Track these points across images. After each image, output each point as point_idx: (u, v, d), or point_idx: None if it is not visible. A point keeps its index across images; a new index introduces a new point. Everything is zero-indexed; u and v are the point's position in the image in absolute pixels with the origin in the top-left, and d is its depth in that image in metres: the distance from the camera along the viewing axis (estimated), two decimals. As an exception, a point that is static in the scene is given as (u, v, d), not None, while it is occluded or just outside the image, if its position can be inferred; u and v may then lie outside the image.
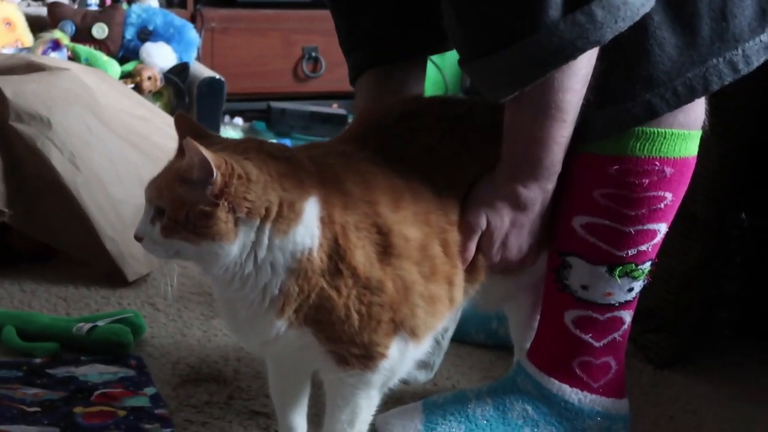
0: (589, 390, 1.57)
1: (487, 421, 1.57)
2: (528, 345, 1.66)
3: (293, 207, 1.31)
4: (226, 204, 1.27)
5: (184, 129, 1.36)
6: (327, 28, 4.10)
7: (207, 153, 1.25)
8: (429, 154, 1.48)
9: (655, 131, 1.43)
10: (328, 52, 4.08)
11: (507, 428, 1.57)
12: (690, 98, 1.42)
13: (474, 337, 2.00)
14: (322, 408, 1.47)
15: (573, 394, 1.57)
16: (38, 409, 1.65)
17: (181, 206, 1.28)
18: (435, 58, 4.85)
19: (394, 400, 1.63)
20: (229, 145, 1.36)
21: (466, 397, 1.61)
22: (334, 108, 4.03)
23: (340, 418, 1.42)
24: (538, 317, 1.64)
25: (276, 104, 3.89)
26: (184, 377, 1.81)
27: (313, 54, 4.07)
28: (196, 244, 1.29)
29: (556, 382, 1.57)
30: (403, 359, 1.42)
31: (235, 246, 1.29)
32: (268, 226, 1.30)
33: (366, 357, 1.38)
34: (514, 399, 1.59)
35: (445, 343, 1.83)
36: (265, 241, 1.31)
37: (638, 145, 1.43)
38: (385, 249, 1.37)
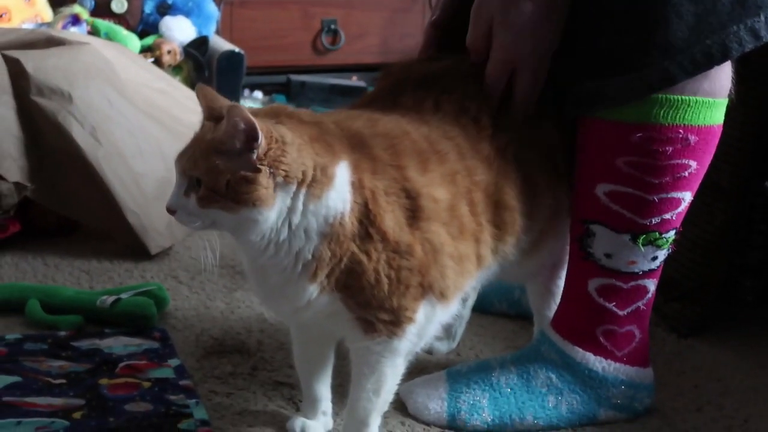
0: (613, 358, 1.57)
1: (511, 389, 1.58)
2: (549, 313, 1.67)
3: (326, 171, 1.31)
4: (267, 169, 1.27)
5: (206, 100, 1.36)
6: (346, 1, 4.11)
7: (255, 119, 1.25)
8: (451, 114, 1.49)
9: (679, 98, 1.42)
10: (348, 24, 4.08)
11: (531, 396, 1.57)
12: (708, 65, 1.41)
13: (497, 306, 2.00)
14: (346, 378, 1.47)
15: (597, 363, 1.57)
16: (64, 381, 1.66)
17: (221, 175, 1.27)
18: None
19: (417, 370, 1.64)
20: (259, 111, 1.36)
21: (490, 365, 1.61)
22: (354, 80, 4.03)
23: (366, 386, 1.42)
24: (559, 285, 1.64)
25: (296, 77, 3.89)
26: (207, 349, 1.81)
27: (333, 27, 4.06)
28: (235, 212, 1.28)
29: (580, 350, 1.57)
30: (429, 323, 1.42)
31: (273, 211, 1.29)
32: (303, 191, 1.30)
33: (393, 323, 1.38)
34: (538, 367, 1.59)
35: (467, 312, 1.83)
36: (300, 206, 1.31)
37: (662, 112, 1.43)
38: (414, 213, 1.37)
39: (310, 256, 1.33)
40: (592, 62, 1.46)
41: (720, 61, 1.41)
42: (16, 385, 1.64)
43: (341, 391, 1.55)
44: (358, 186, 1.34)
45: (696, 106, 1.43)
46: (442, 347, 1.83)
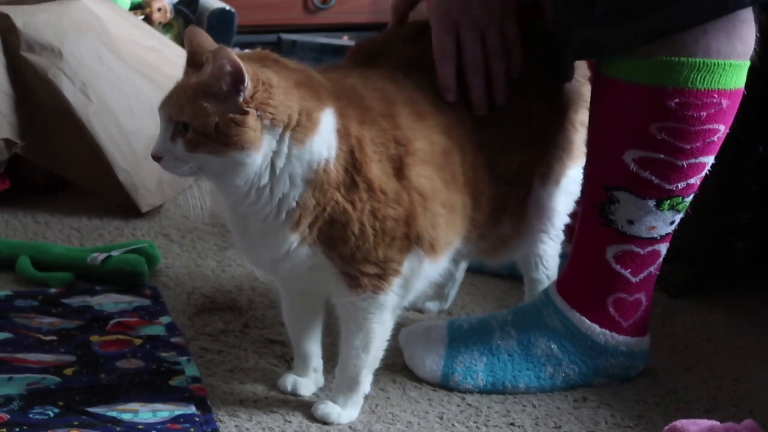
0: (618, 331, 1.57)
1: (509, 355, 1.57)
2: (537, 276, 1.67)
3: (311, 116, 1.31)
4: (254, 111, 1.27)
5: (192, 45, 1.35)
6: (337, -41, 4.08)
7: (241, 61, 1.25)
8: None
9: (715, 62, 1.40)
10: (338, -17, 4.05)
11: (529, 365, 1.57)
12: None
13: (488, 266, 1.99)
14: (337, 336, 1.48)
15: (601, 335, 1.57)
16: (54, 337, 1.66)
17: (209, 117, 1.28)
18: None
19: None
20: (245, 56, 1.35)
21: (491, 327, 1.61)
22: (345, 40, 4.00)
23: (354, 344, 1.43)
24: (544, 249, 1.65)
25: (286, 36, 3.87)
26: (199, 306, 1.81)
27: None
28: (223, 155, 1.29)
29: (586, 320, 1.56)
30: (415, 277, 1.42)
31: (260, 155, 1.29)
32: (288, 135, 1.31)
33: (379, 276, 1.38)
34: (540, 335, 1.58)
35: (460, 275, 1.83)
36: (285, 150, 1.31)
37: (699, 77, 1.41)
38: (404, 161, 1.37)
39: (294, 204, 1.33)
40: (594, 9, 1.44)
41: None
42: (6, 342, 1.64)
43: (332, 348, 1.55)
44: (343, 133, 1.34)
45: (730, 69, 1.41)
46: (434, 307, 1.83)
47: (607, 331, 1.57)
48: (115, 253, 1.92)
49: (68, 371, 1.55)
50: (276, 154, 1.31)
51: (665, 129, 1.44)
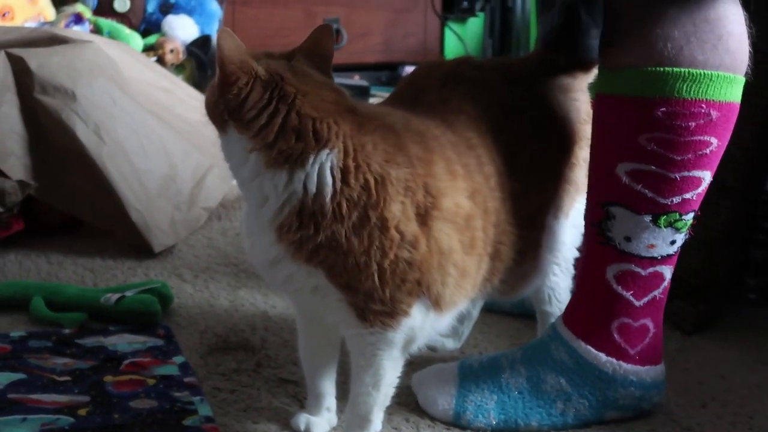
0: (625, 359, 1.56)
1: (519, 392, 1.57)
2: (549, 309, 1.68)
3: (291, 151, 1.33)
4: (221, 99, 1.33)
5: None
6: (348, 0, 4.12)
7: (222, 49, 1.32)
8: (475, 125, 1.50)
9: (702, 73, 1.42)
10: (350, 23, 4.08)
11: (540, 402, 1.56)
12: None
13: (501, 305, 2.00)
14: (350, 375, 1.48)
15: (608, 364, 1.55)
16: (68, 378, 1.66)
17: (239, 65, 1.33)
18: (455, 26, 4.85)
19: (423, 367, 1.64)
20: (305, 73, 1.38)
21: (500, 365, 1.60)
22: (356, 80, 4.03)
23: (365, 380, 1.42)
24: (557, 282, 1.66)
25: (298, 76, 3.89)
26: (212, 346, 1.82)
27: (335, 26, 4.06)
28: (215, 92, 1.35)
29: (592, 350, 1.56)
30: (423, 325, 1.42)
31: (222, 141, 1.37)
32: (259, 154, 1.33)
33: (387, 314, 1.37)
34: (548, 370, 1.58)
35: (476, 313, 1.83)
36: (259, 166, 1.34)
37: (685, 86, 1.42)
38: (430, 210, 1.37)
39: (271, 215, 1.35)
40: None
41: None
42: (21, 382, 1.64)
43: (345, 388, 1.54)
44: (354, 171, 1.34)
45: (718, 80, 1.43)
46: (448, 345, 1.83)
47: (614, 360, 1.56)
48: (128, 293, 1.93)
49: (82, 411, 1.56)
50: (246, 163, 1.35)
51: (654, 140, 1.45)
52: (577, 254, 1.68)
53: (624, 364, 1.56)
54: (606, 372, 1.56)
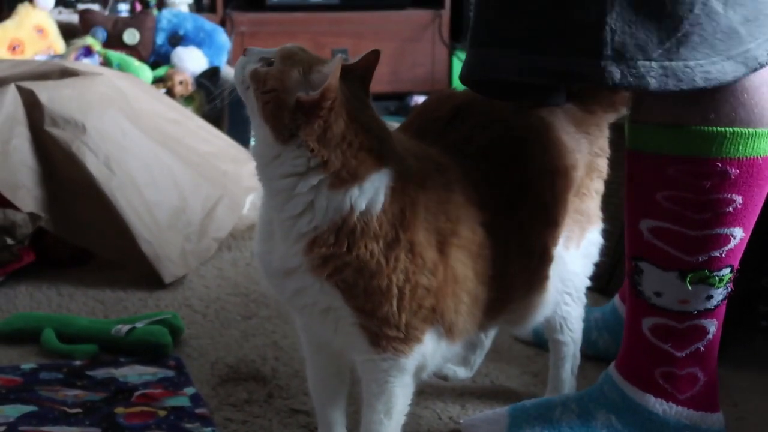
0: (674, 401, 1.52)
1: (570, 428, 1.54)
2: (561, 338, 1.68)
3: (354, 173, 1.32)
4: (300, 116, 1.30)
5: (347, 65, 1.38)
6: (356, 31, 4.14)
7: (334, 77, 1.29)
8: (485, 156, 1.50)
9: (714, 130, 1.37)
10: (358, 54, 4.07)
11: None
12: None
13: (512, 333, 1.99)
14: (361, 404, 1.47)
15: (657, 405, 1.52)
16: (80, 410, 1.66)
17: (281, 79, 1.32)
18: (463, 56, 4.85)
19: (434, 396, 1.64)
20: (360, 102, 1.37)
21: (552, 402, 1.59)
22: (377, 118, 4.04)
23: (377, 408, 1.42)
24: (566, 311, 1.66)
25: (307, 106, 3.90)
26: (223, 377, 1.81)
27: (343, 56, 4.07)
28: (253, 108, 1.34)
29: (641, 391, 1.52)
30: (435, 353, 1.42)
31: (276, 148, 1.33)
32: (324, 175, 1.32)
33: (401, 340, 1.37)
34: (600, 407, 1.55)
35: (488, 343, 1.83)
36: (317, 184, 1.32)
37: (697, 145, 1.38)
38: (449, 237, 1.38)
39: (305, 228, 1.34)
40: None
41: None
42: (32, 415, 1.64)
43: (356, 417, 1.54)
44: (398, 191, 1.34)
45: (734, 137, 1.38)
46: (459, 374, 1.82)
47: (663, 401, 1.52)
48: (139, 325, 1.94)
49: (93, 443, 1.56)
50: (302, 177, 1.33)
51: (671, 198, 1.42)
52: (588, 284, 1.68)
53: (675, 406, 1.52)
54: (656, 413, 1.52)
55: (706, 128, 1.38)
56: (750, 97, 1.38)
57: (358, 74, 1.39)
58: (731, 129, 1.37)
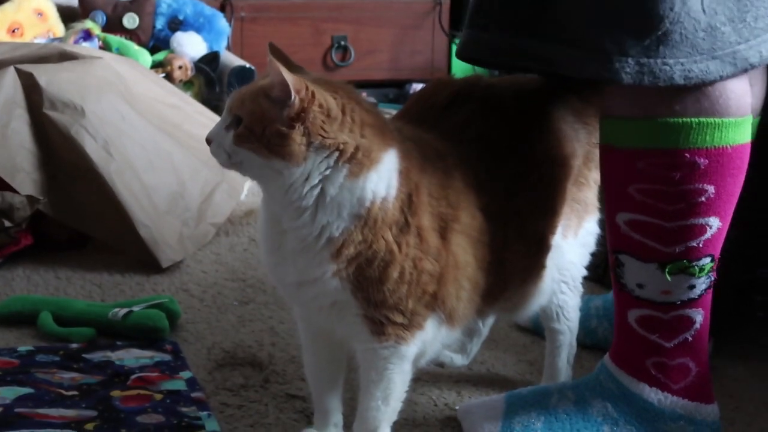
0: (668, 391, 1.52)
1: (567, 415, 1.55)
2: (557, 326, 1.68)
3: (369, 154, 1.32)
4: (301, 128, 1.30)
5: (276, 57, 1.37)
6: (356, 17, 4.13)
7: (288, 75, 1.28)
8: (483, 143, 1.51)
9: (680, 121, 1.38)
10: (358, 41, 4.09)
11: (586, 424, 1.54)
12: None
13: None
14: (357, 391, 1.48)
15: (652, 394, 1.52)
16: (76, 393, 1.66)
17: (260, 120, 1.31)
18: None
19: (430, 383, 1.64)
20: (322, 80, 1.37)
21: (548, 390, 1.60)
22: (364, 97, 4.04)
23: (375, 394, 1.42)
24: (562, 299, 1.66)
25: (306, 93, 3.90)
26: (219, 361, 1.82)
27: (343, 43, 4.07)
28: (264, 158, 1.31)
29: (635, 380, 1.53)
30: (435, 339, 1.43)
31: (300, 169, 1.31)
32: (343, 165, 1.32)
33: (405, 326, 1.38)
34: (596, 395, 1.55)
35: (485, 331, 1.83)
36: (339, 179, 1.32)
37: (664, 137, 1.39)
38: (450, 223, 1.38)
39: (336, 234, 1.33)
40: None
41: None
42: (28, 397, 1.64)
43: (353, 404, 1.55)
44: (405, 175, 1.35)
45: (699, 128, 1.38)
46: (456, 361, 1.83)
47: (658, 390, 1.52)
48: (136, 309, 1.94)
49: (89, 426, 1.56)
50: (328, 180, 1.32)
51: (642, 191, 1.42)
52: (585, 273, 1.68)
53: (669, 396, 1.52)
54: (651, 403, 1.53)
55: (672, 119, 1.38)
56: (714, 88, 1.38)
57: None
58: (697, 119, 1.38)
